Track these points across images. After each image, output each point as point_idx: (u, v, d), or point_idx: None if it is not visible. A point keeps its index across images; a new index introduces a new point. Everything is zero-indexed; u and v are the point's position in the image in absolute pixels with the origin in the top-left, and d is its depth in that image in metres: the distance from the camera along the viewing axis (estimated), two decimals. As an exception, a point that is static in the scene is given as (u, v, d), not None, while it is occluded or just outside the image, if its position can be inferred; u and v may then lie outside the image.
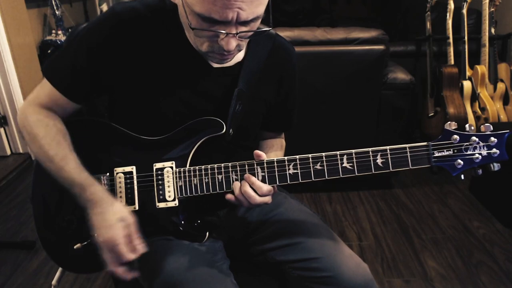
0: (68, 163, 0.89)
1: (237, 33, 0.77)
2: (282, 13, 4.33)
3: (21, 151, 2.97)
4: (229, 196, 0.90)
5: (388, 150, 0.84)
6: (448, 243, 1.97)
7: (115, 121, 0.97)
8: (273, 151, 1.10)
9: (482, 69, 2.50)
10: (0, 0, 2.63)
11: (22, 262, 1.89)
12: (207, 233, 0.95)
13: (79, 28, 0.93)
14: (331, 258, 0.94)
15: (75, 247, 0.94)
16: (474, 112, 2.53)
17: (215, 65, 0.92)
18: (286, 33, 2.13)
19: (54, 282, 1.20)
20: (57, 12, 3.13)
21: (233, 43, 0.78)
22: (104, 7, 4.07)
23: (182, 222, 0.94)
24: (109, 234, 0.84)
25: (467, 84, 2.53)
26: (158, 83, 0.91)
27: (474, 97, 2.53)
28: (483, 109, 2.49)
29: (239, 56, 0.95)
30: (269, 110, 1.03)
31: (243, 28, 0.77)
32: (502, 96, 2.46)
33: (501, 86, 2.46)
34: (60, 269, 1.18)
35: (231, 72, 0.94)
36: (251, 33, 0.80)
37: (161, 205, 0.92)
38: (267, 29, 0.84)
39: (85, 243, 0.95)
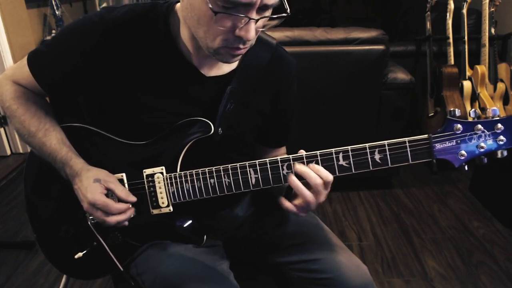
0: (49, 139, 0.90)
1: (258, 19, 0.72)
2: (282, 13, 4.32)
3: (21, 151, 2.97)
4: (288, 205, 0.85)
5: (386, 145, 0.79)
6: (448, 243, 1.97)
7: (100, 126, 0.94)
8: None
9: (482, 69, 2.50)
10: (0, 0, 2.63)
11: (22, 262, 1.89)
12: (205, 237, 0.94)
13: (66, 27, 0.89)
14: (330, 260, 0.93)
15: (76, 256, 0.94)
16: (474, 112, 2.53)
17: (208, 74, 0.89)
18: (286, 33, 2.13)
19: None
20: (57, 12, 3.13)
21: (253, 31, 0.73)
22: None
23: (179, 227, 0.93)
24: (87, 195, 0.84)
25: (467, 84, 2.53)
26: (147, 92, 0.88)
27: (474, 97, 2.53)
28: (483, 109, 2.49)
29: (235, 63, 0.91)
30: (265, 123, 1.00)
31: (262, 14, 0.73)
32: (502, 96, 2.46)
33: (501, 86, 2.45)
34: (65, 276, 1.18)
35: (224, 80, 0.90)
36: (273, 20, 0.76)
37: (156, 211, 0.90)
38: (284, 14, 0.77)
39: (85, 251, 0.94)
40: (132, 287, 0.95)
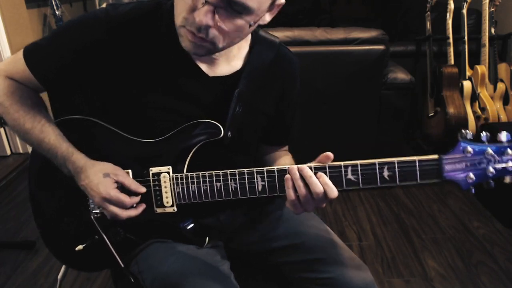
0: (47, 136, 0.89)
1: (216, 6, 0.70)
2: (282, 13, 4.33)
3: (21, 151, 2.97)
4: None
5: (396, 163, 0.78)
6: (448, 243, 1.97)
7: (104, 120, 0.93)
8: (285, 161, 1.05)
9: (482, 69, 2.50)
10: (0, 0, 2.63)
11: (22, 262, 1.89)
12: (207, 239, 0.95)
13: (69, 21, 0.89)
14: (331, 260, 0.94)
15: (76, 248, 0.94)
16: (474, 112, 2.53)
17: (211, 74, 0.89)
18: (286, 33, 2.13)
19: (59, 276, 1.21)
20: (57, 12, 3.13)
21: (206, 17, 0.71)
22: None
23: (182, 227, 0.93)
24: (100, 190, 0.84)
25: (467, 84, 2.53)
26: (148, 89, 0.88)
27: (474, 97, 2.53)
28: (483, 109, 2.49)
29: (237, 64, 0.91)
30: (269, 122, 1.00)
31: (224, 10, 0.71)
32: (502, 96, 2.46)
33: (501, 86, 2.45)
34: (64, 266, 1.19)
35: (228, 81, 0.90)
36: (231, 17, 0.73)
37: (160, 210, 0.90)
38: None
39: (85, 244, 0.95)
40: (132, 284, 0.95)
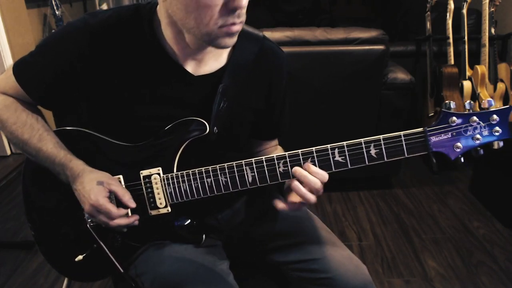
0: (45, 144, 0.89)
1: None
2: (282, 13, 4.33)
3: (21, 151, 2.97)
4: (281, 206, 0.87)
5: (381, 140, 0.79)
6: (448, 243, 1.97)
7: (96, 128, 0.93)
8: None
9: (482, 69, 2.50)
10: (0, 0, 2.63)
11: (22, 262, 1.89)
12: (204, 236, 0.95)
13: (51, 35, 0.90)
14: (330, 260, 0.94)
15: (76, 259, 0.94)
16: (474, 112, 2.53)
17: (196, 73, 0.88)
18: (286, 33, 2.13)
19: None
20: (57, 12, 3.13)
21: None
22: (104, 7, 4.06)
23: (177, 227, 0.93)
24: (90, 197, 0.83)
25: (467, 84, 2.53)
26: (135, 95, 0.88)
27: (474, 97, 2.53)
28: (483, 109, 2.48)
29: (223, 60, 0.91)
30: (258, 117, 0.99)
31: None
32: (502, 96, 2.46)
33: (501, 86, 2.45)
34: (66, 278, 1.18)
35: (214, 78, 0.89)
36: None
37: (154, 212, 0.90)
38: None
39: (85, 254, 0.94)
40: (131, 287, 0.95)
